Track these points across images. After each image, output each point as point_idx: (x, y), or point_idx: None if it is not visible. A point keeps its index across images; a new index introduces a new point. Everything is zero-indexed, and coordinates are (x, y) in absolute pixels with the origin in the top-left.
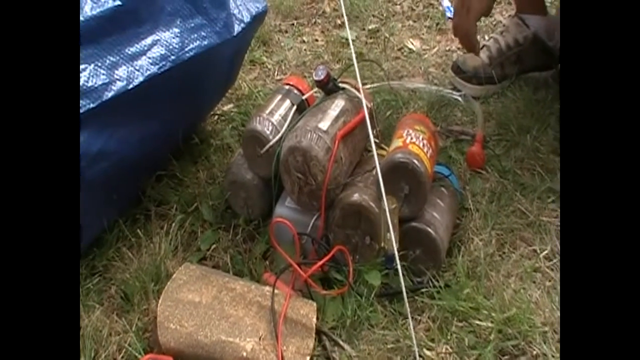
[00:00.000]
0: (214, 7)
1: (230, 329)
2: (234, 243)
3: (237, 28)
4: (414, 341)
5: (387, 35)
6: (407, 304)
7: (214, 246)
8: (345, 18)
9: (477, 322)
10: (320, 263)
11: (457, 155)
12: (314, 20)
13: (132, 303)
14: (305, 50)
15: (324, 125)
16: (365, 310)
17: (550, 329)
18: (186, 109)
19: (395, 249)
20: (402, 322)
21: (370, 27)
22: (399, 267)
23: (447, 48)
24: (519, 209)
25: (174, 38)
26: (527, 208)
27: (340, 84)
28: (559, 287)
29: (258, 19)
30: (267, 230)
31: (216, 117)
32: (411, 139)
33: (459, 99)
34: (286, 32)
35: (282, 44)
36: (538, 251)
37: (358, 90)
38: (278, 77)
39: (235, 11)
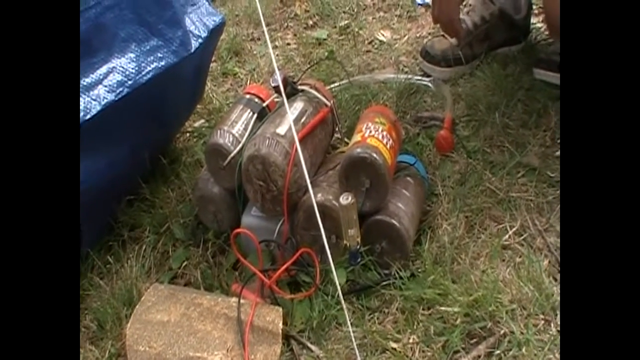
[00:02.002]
0: (169, 26)
1: (198, 344)
2: (204, 258)
3: (194, 44)
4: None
5: (357, 29)
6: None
7: (185, 263)
8: None
9: (444, 308)
10: (283, 268)
11: (426, 141)
12: (285, 24)
13: (105, 330)
14: (277, 55)
15: (282, 129)
16: (332, 309)
17: (518, 306)
18: (151, 131)
19: (358, 243)
20: (369, 317)
21: (341, 24)
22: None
23: (418, 34)
24: (488, 187)
25: (129, 63)
26: (497, 186)
27: (300, 86)
28: (527, 262)
29: (216, 31)
30: (235, 242)
31: (188, 134)
32: (370, 132)
33: (429, 84)
34: (258, 39)
35: (255, 52)
36: (508, 228)
37: (317, 90)
38: None
39: (192, 27)
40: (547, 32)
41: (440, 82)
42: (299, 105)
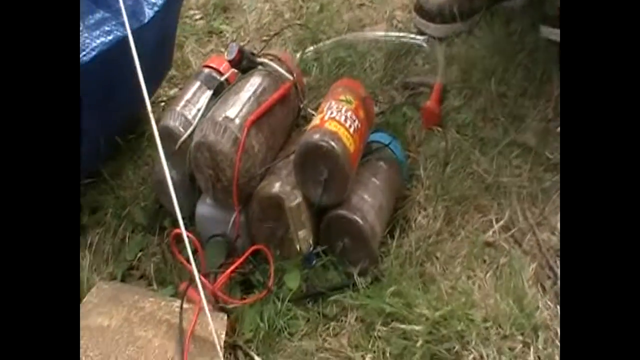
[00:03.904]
0: None
1: (136, 354)
2: (161, 248)
3: (148, 13)
4: None
5: None
6: None
7: (140, 255)
8: None
9: (405, 326)
10: (228, 272)
11: (412, 111)
12: None
13: None
14: (267, 10)
15: (233, 112)
16: (283, 317)
17: (493, 324)
18: (106, 111)
19: (311, 245)
20: (323, 328)
21: None
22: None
23: None
24: (475, 170)
25: None
26: (485, 168)
27: (261, 58)
28: (513, 265)
29: None
30: (194, 230)
31: (163, 104)
32: (331, 113)
33: (422, 44)
34: None
35: (244, 6)
36: (493, 221)
37: (281, 61)
38: None
39: None
40: None
41: (435, 42)
42: (256, 80)
